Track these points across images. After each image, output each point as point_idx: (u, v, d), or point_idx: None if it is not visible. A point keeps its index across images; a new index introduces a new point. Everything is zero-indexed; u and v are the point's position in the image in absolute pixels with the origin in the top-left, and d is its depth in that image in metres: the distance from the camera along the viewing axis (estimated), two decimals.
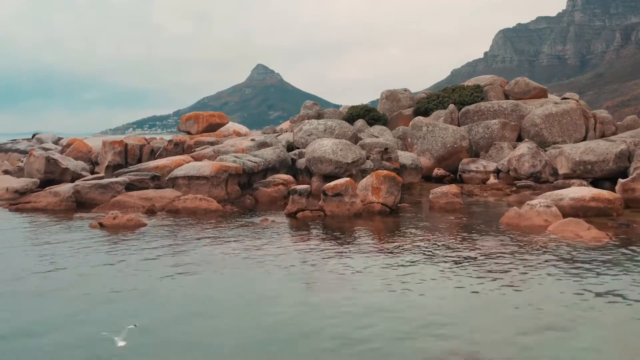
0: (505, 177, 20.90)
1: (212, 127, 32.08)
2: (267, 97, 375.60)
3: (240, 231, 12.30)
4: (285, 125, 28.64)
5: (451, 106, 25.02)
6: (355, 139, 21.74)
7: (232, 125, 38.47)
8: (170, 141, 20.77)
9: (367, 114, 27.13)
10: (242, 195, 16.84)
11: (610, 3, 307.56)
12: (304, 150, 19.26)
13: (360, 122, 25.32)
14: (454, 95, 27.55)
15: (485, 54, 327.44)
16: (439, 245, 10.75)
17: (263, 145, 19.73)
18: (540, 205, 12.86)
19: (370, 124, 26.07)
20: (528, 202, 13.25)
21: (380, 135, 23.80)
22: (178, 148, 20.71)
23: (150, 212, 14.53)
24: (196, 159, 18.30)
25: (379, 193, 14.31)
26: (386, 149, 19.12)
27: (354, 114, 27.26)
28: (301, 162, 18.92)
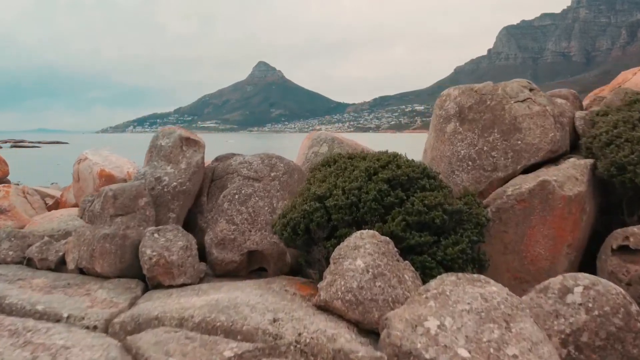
0: None
1: None
2: (268, 95, 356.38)
3: None
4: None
5: None
6: None
7: (105, 162, 14.93)
8: None
9: (400, 208, 4.21)
10: None
11: None
12: None
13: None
14: None
15: (489, 51, 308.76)
16: None
17: None
18: None
19: (423, 268, 4.61)
20: None
21: None
22: None
23: None
24: None
25: None
26: None
27: (344, 213, 4.58)
28: None
